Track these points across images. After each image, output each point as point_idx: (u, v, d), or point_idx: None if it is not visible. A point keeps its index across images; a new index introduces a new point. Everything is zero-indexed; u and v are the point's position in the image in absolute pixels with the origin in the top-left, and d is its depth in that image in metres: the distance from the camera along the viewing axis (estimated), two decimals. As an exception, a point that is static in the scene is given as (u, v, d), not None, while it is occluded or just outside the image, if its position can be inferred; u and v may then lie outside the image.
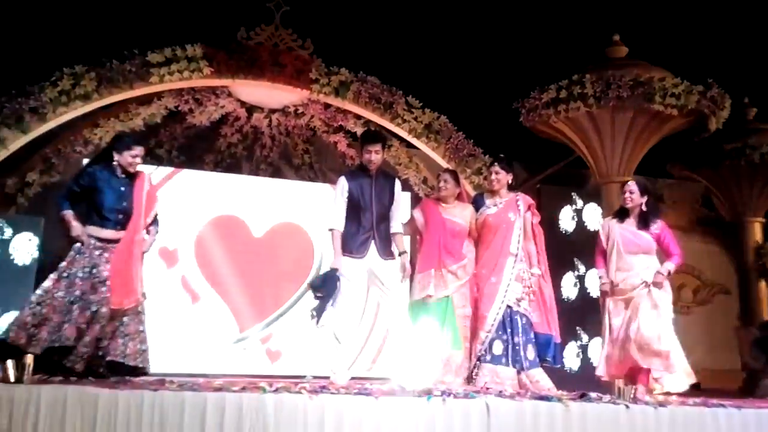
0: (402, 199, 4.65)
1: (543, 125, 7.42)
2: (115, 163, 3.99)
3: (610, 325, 4.72)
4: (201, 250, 6.87)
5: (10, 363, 3.05)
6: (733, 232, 9.15)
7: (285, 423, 2.92)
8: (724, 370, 8.20)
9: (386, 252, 4.33)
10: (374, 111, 7.13)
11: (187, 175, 7.05)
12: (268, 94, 7.15)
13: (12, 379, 3.02)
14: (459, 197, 4.77)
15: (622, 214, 4.81)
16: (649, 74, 6.95)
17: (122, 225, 3.91)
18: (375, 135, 4.57)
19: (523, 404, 3.29)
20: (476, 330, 4.49)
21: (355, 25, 7.46)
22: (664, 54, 7.38)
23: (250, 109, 7.49)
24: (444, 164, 7.13)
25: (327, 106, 7.36)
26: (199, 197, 6.95)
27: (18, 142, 6.13)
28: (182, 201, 6.85)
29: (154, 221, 4.12)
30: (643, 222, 4.74)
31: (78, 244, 3.82)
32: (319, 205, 6.95)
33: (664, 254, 4.78)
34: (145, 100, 6.85)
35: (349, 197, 4.32)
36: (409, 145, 7.51)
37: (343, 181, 4.36)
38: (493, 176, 4.74)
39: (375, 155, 4.35)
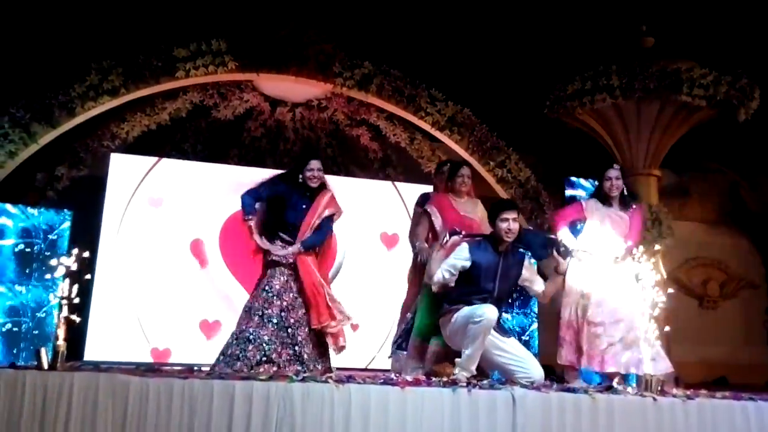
0: None
1: (568, 117, 7.35)
2: (300, 180, 4.17)
3: None
4: (225, 242, 6.93)
5: (43, 350, 3.11)
6: (761, 225, 9.00)
7: (312, 412, 2.95)
8: (751, 365, 8.10)
9: None
10: (397, 104, 7.13)
11: (212, 168, 7.12)
12: (292, 88, 7.19)
13: (46, 366, 3.09)
14: (469, 192, 4.75)
15: (603, 199, 4.64)
16: (676, 65, 6.84)
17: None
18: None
19: (549, 396, 3.29)
20: None
21: (377, 16, 7.45)
22: (691, 44, 7.26)
23: (274, 103, 7.54)
24: (468, 157, 7.12)
25: (350, 99, 7.39)
26: (224, 190, 7.01)
27: (48, 136, 6.25)
28: (207, 194, 6.93)
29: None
30: (625, 204, 4.65)
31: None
32: (341, 199, 6.95)
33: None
34: (171, 95, 6.94)
35: None
36: (432, 138, 7.50)
37: None
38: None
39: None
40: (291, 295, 4.04)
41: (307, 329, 4.01)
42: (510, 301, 4.05)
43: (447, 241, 3.81)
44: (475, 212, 4.61)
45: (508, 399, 3.20)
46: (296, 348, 3.94)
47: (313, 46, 6.95)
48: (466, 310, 3.74)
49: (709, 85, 6.77)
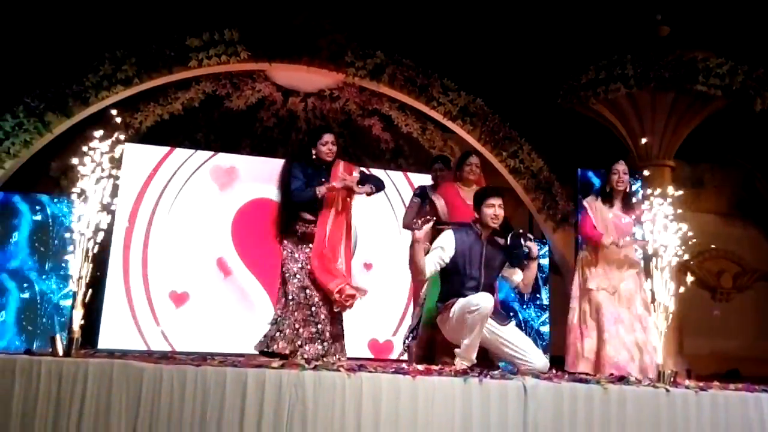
0: None
1: (581, 107, 7.30)
2: (314, 156, 4.15)
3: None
4: (237, 232, 6.96)
5: (58, 337, 3.15)
6: (776, 216, 8.92)
7: (323, 400, 2.97)
8: (764, 357, 8.04)
9: None
10: (409, 94, 7.10)
11: (224, 158, 7.14)
12: (304, 77, 7.19)
13: (60, 353, 3.12)
14: (478, 182, 4.73)
15: (606, 196, 4.62)
16: (692, 54, 6.77)
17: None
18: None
19: (560, 386, 3.28)
20: None
21: (390, 6, 7.41)
22: (707, 33, 7.17)
23: (286, 93, 7.54)
24: (480, 147, 7.09)
25: (362, 89, 7.37)
26: (236, 180, 7.04)
27: (62, 126, 6.29)
28: (218, 184, 6.96)
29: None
30: (628, 205, 4.62)
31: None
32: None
33: None
34: (184, 85, 6.95)
35: None
36: (444, 129, 7.48)
37: None
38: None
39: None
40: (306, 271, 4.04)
41: (329, 307, 4.00)
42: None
43: (421, 231, 3.76)
44: None
45: (520, 389, 3.20)
46: (319, 326, 3.94)
47: (326, 35, 6.93)
48: (461, 302, 3.73)
49: (725, 74, 6.71)
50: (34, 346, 5.35)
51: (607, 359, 4.33)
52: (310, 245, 4.06)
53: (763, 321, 8.67)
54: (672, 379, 3.71)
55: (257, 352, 4.01)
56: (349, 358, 4.00)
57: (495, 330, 3.79)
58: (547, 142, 7.58)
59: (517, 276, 4.04)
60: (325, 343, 3.93)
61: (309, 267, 4.01)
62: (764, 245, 9.10)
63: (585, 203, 4.67)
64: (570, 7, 7.55)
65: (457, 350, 3.75)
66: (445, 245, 3.86)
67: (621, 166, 4.57)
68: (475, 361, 3.73)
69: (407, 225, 4.61)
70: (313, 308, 3.98)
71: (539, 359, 3.78)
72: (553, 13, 7.59)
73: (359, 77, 6.99)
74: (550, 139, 7.63)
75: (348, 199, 4.17)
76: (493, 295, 3.92)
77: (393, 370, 3.27)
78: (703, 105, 7.04)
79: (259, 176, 6.84)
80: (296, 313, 3.96)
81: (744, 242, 8.88)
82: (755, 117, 7.42)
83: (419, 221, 3.76)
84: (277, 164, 7.33)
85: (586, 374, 4.01)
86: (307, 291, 3.99)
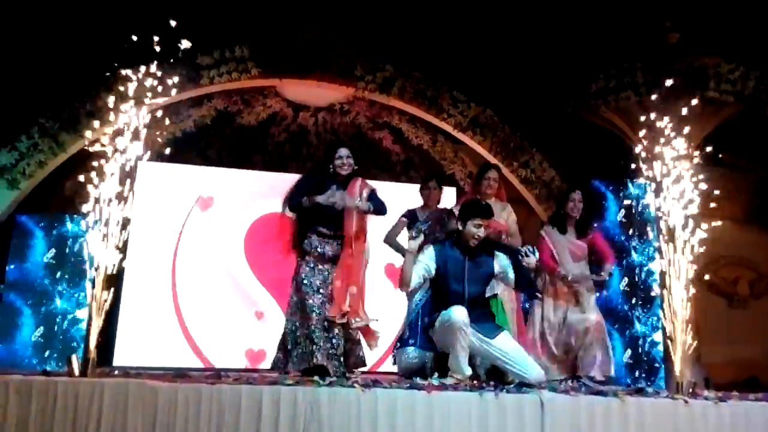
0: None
1: (592, 116, 7.27)
2: (330, 170, 4.17)
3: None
4: (250, 247, 6.99)
5: (74, 357, 3.16)
6: (792, 222, 8.82)
7: (339, 416, 2.96)
8: (783, 365, 7.94)
9: None
10: (419, 106, 7.14)
11: (236, 174, 7.18)
12: (315, 92, 7.23)
13: (77, 373, 3.13)
14: (498, 195, 4.71)
15: (560, 221, 4.81)
16: (703, 60, 6.74)
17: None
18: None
19: (578, 399, 3.25)
20: None
21: (398, 19, 7.44)
22: (718, 39, 7.14)
23: (297, 108, 7.58)
24: (491, 158, 7.08)
25: (372, 102, 7.40)
26: (248, 196, 7.07)
27: (76, 145, 6.35)
28: (231, 200, 7.00)
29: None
30: (581, 230, 4.81)
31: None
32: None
33: (600, 258, 4.83)
34: (196, 102, 7.01)
35: None
36: (455, 140, 7.48)
37: None
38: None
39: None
40: (329, 288, 4.04)
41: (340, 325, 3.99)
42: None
43: (415, 243, 3.77)
44: (502, 215, 4.58)
45: (536, 403, 3.17)
46: (333, 341, 3.93)
47: (335, 50, 6.98)
48: (441, 317, 3.72)
49: (737, 80, 6.68)
50: (49, 365, 5.39)
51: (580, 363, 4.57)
52: (332, 264, 4.07)
53: (782, 328, 8.56)
54: (691, 390, 3.66)
55: (299, 373, 3.91)
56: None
57: (484, 343, 3.75)
58: (558, 151, 7.55)
59: (512, 277, 3.99)
60: (341, 358, 3.92)
61: (330, 285, 4.03)
62: (781, 251, 9.01)
63: (542, 232, 4.87)
64: (579, 16, 7.53)
65: (450, 364, 3.74)
66: (427, 260, 3.85)
67: (577, 195, 4.78)
68: (470, 373, 3.69)
69: (388, 241, 4.70)
70: (331, 325, 3.97)
71: (533, 370, 3.70)
72: (563, 22, 7.58)
73: (369, 91, 7.03)
74: (562, 148, 7.61)
75: (364, 220, 4.18)
76: (485, 307, 3.91)
77: (408, 385, 3.25)
78: (715, 111, 6.99)
79: (271, 192, 6.86)
80: (317, 327, 3.95)
81: (759, 249, 8.79)
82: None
83: (413, 233, 3.81)
84: (288, 179, 7.43)
85: (604, 391, 3.96)
86: (327, 305, 4.00)
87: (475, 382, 3.66)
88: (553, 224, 4.86)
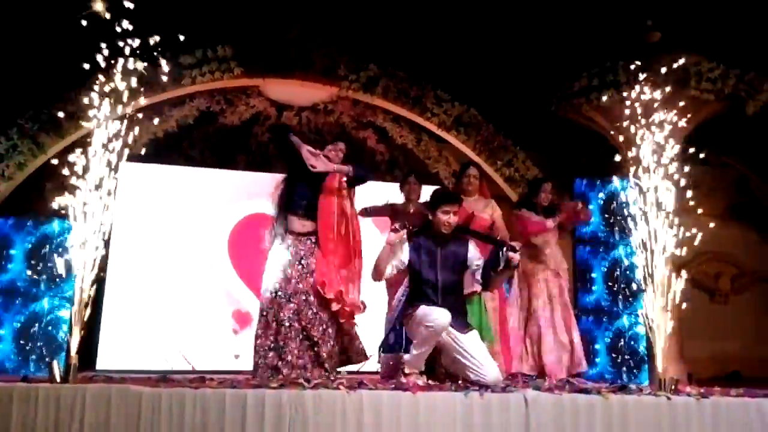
0: None
1: (575, 114, 7.31)
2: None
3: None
4: (234, 248, 6.96)
5: (55, 363, 3.13)
6: (772, 217, 8.94)
7: (324, 418, 2.95)
8: (762, 358, 8.05)
9: None
10: (403, 105, 7.14)
11: (220, 174, 7.14)
12: (298, 92, 7.20)
13: (58, 379, 3.10)
14: (481, 191, 4.76)
15: (531, 206, 5.11)
16: (684, 59, 6.79)
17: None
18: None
19: (562, 398, 3.28)
20: None
21: (381, 18, 7.43)
22: (698, 38, 7.20)
23: (281, 107, 7.54)
24: (475, 157, 7.10)
25: (356, 102, 7.39)
26: (232, 196, 7.04)
27: (56, 146, 6.28)
28: (215, 201, 6.96)
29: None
30: (549, 211, 5.15)
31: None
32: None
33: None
34: (178, 102, 6.95)
35: None
36: (439, 139, 7.49)
37: None
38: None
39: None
40: (303, 281, 3.99)
41: (322, 327, 3.96)
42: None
43: (397, 235, 3.80)
44: (486, 211, 4.62)
45: (521, 401, 3.19)
46: (315, 349, 3.90)
47: (318, 49, 6.96)
48: (421, 313, 3.73)
49: (717, 78, 6.74)
50: (31, 366, 5.35)
51: (545, 362, 4.86)
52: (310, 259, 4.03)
53: (763, 322, 8.67)
54: (673, 387, 3.70)
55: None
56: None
57: (454, 337, 3.77)
58: (541, 150, 7.59)
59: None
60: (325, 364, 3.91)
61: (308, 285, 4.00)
62: (761, 247, 9.11)
63: (517, 213, 5.18)
64: (561, 16, 7.57)
65: (406, 357, 3.76)
66: (402, 251, 3.90)
67: (548, 186, 5.15)
68: (423, 369, 3.76)
69: (362, 212, 4.78)
70: (304, 332, 3.94)
71: (492, 372, 3.72)
72: (545, 21, 7.61)
73: (353, 90, 7.02)
74: (545, 147, 7.65)
75: (348, 207, 4.17)
76: (459, 297, 3.93)
77: (393, 386, 3.25)
78: (696, 109, 7.05)
79: (254, 192, 6.84)
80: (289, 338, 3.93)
81: (740, 244, 8.89)
82: (748, 119, 7.46)
83: (397, 226, 3.84)
84: (272, 179, 7.40)
85: (588, 388, 4.00)
86: (301, 312, 3.96)
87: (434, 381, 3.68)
88: (524, 207, 5.15)
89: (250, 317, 6.73)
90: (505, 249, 3.83)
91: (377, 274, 3.87)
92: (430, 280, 3.83)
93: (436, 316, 3.65)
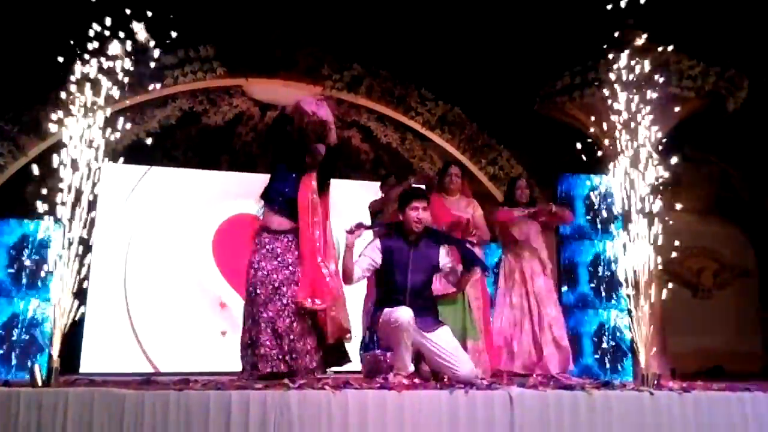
0: None
1: (558, 112, 7.36)
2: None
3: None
4: (218, 249, 6.93)
5: (37, 367, 3.09)
6: (753, 214, 9.03)
7: (309, 419, 2.94)
8: (745, 353, 8.15)
9: None
10: (387, 105, 7.16)
11: (203, 175, 7.10)
12: (281, 91, 7.18)
13: (40, 383, 3.07)
14: (462, 191, 4.77)
15: (513, 205, 5.16)
16: (665, 57, 6.85)
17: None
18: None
19: (546, 394, 3.29)
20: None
21: (365, 18, 7.43)
22: (678, 36, 7.26)
23: (264, 107, 7.52)
24: (459, 156, 7.13)
25: (340, 101, 7.38)
26: (216, 197, 7.00)
27: (36, 148, 6.22)
28: (198, 201, 6.92)
29: None
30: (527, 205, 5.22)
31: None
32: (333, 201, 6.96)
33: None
34: (160, 103, 6.91)
35: None
36: (423, 138, 7.50)
37: None
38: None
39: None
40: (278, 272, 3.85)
41: (290, 319, 3.77)
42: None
43: (354, 235, 3.73)
44: (467, 210, 4.64)
45: (506, 398, 3.20)
46: (280, 341, 3.74)
47: (302, 49, 6.95)
48: (386, 315, 3.68)
49: (698, 76, 6.81)
50: (13, 369, 5.30)
51: (534, 359, 4.88)
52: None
53: (745, 317, 8.77)
54: (656, 382, 3.73)
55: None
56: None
57: (426, 339, 3.73)
58: (525, 148, 7.63)
59: (453, 275, 3.99)
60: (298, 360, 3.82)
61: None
62: (742, 242, 9.22)
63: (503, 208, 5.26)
64: (543, 15, 7.61)
65: (394, 361, 3.71)
66: (372, 253, 3.86)
67: (522, 182, 5.28)
68: (412, 370, 3.68)
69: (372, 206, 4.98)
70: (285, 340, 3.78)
71: (465, 366, 3.68)
72: (527, 20, 7.64)
73: (337, 90, 7.02)
74: (529, 145, 7.69)
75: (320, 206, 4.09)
76: (428, 298, 3.88)
77: (378, 385, 3.25)
78: (679, 106, 7.11)
79: (238, 192, 6.82)
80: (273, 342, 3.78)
81: (723, 240, 8.99)
82: (729, 116, 7.54)
83: (353, 226, 3.76)
84: (256, 179, 7.37)
85: (572, 384, 4.02)
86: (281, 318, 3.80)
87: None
88: (506, 206, 5.22)
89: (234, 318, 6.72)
90: (476, 268, 3.87)
91: (346, 278, 3.81)
92: (399, 282, 3.78)
93: (398, 314, 3.61)
